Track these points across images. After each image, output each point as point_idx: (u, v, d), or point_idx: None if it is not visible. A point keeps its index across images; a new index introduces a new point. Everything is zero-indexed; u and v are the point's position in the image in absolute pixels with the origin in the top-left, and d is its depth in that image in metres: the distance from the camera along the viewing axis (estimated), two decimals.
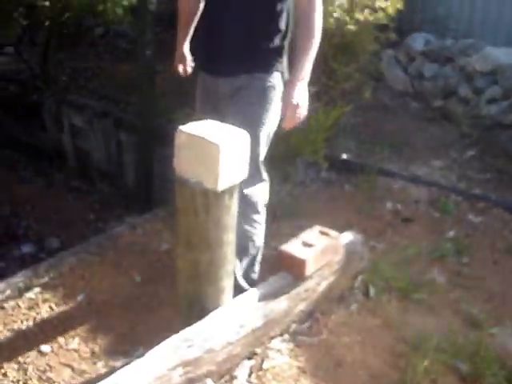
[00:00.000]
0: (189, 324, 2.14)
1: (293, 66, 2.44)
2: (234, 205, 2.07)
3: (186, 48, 2.87)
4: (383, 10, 4.50)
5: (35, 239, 5.05)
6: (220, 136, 1.92)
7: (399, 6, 4.57)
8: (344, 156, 4.59)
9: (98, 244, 3.45)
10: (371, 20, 4.46)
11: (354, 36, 4.46)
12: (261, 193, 2.56)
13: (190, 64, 2.88)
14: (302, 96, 2.40)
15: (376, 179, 4.22)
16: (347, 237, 2.87)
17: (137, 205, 5.36)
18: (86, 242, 3.58)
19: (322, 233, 2.60)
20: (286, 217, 3.63)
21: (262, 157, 2.51)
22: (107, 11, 5.57)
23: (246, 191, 2.43)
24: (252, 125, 2.32)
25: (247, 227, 2.53)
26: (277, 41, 2.44)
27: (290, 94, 2.39)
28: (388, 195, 4.10)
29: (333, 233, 2.64)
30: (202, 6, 2.64)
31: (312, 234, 2.59)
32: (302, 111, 2.43)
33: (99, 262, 3.26)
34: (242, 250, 2.49)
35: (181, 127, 1.97)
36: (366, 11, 4.45)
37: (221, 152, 1.87)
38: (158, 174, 5.39)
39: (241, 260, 2.57)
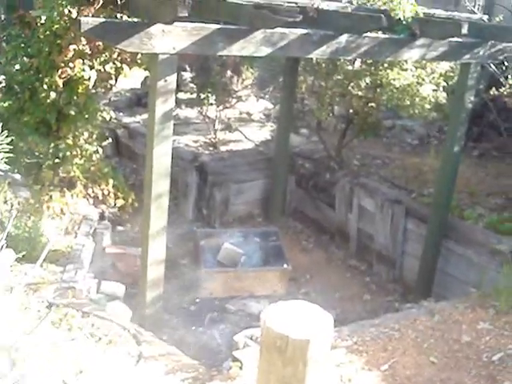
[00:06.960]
0: None
1: None
2: None
3: None
4: None
5: None
6: None
7: None
8: None
9: (397, 321, 3.52)
10: None
11: None
12: None
13: None
14: None
15: None
16: None
17: (413, 295, 5.36)
18: (383, 316, 3.68)
19: None
20: None
21: None
22: (414, 105, 5.82)
23: None
24: None
25: None
26: None
27: None
28: None
29: None
30: None
31: None
32: None
33: (399, 338, 3.32)
34: None
35: None
36: None
37: None
38: (440, 268, 5.35)
39: None
